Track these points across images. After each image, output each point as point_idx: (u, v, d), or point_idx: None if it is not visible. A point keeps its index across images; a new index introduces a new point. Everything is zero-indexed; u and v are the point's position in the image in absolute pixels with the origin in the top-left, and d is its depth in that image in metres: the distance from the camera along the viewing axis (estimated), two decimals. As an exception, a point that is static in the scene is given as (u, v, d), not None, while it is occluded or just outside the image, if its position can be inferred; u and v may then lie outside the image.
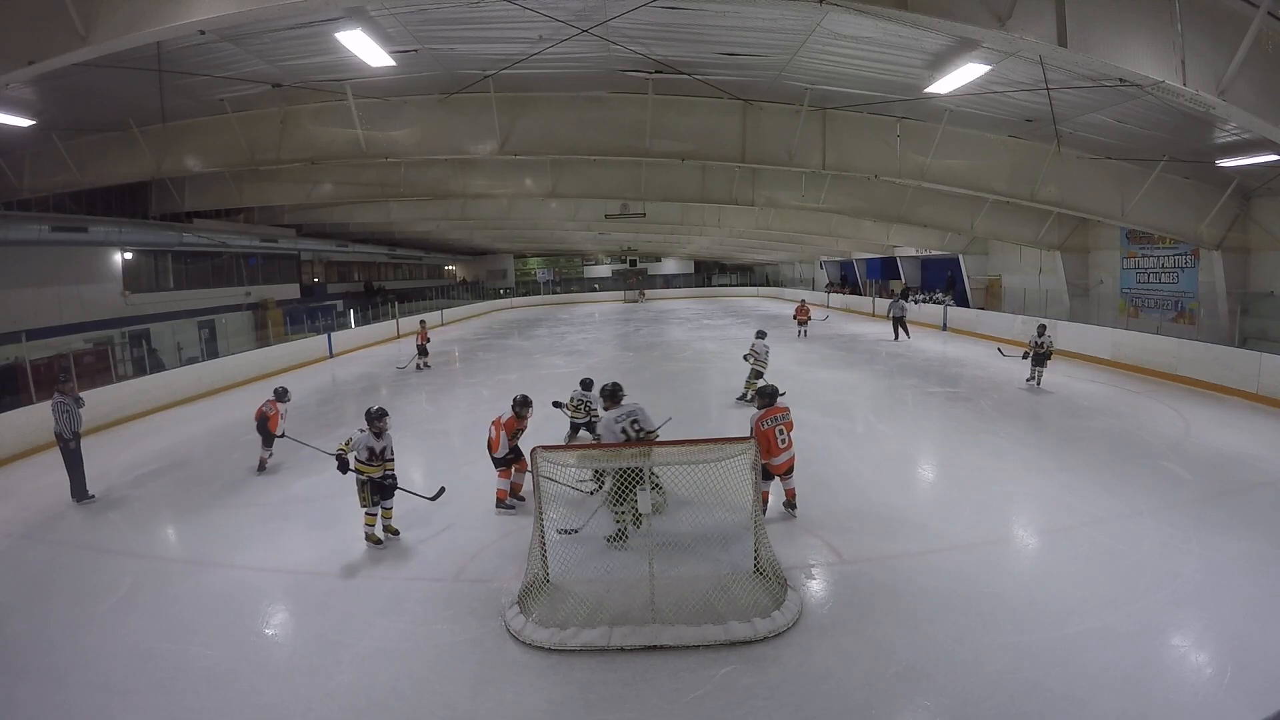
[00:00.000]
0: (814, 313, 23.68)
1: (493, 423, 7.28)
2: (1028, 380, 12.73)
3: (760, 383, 11.66)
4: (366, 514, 6.35)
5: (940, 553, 5.81)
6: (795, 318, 22.28)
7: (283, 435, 9.07)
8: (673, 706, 3.99)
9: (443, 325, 30.76)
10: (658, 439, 6.27)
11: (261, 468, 8.98)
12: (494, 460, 7.17)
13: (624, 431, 6.20)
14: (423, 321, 19.60)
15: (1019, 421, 10.35)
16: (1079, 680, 4.03)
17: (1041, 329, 12.75)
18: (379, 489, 6.32)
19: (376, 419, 6.34)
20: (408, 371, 17.52)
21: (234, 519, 7.29)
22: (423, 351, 18.12)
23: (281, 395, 9.17)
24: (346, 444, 6.33)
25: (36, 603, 5.56)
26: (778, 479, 6.61)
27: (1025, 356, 12.76)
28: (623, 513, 5.98)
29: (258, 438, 8.95)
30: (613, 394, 6.78)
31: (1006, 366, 15.12)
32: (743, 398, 12.03)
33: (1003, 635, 4.52)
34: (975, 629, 4.61)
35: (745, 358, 12.24)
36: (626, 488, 5.45)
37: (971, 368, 15.15)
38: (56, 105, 10.52)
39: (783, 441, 6.48)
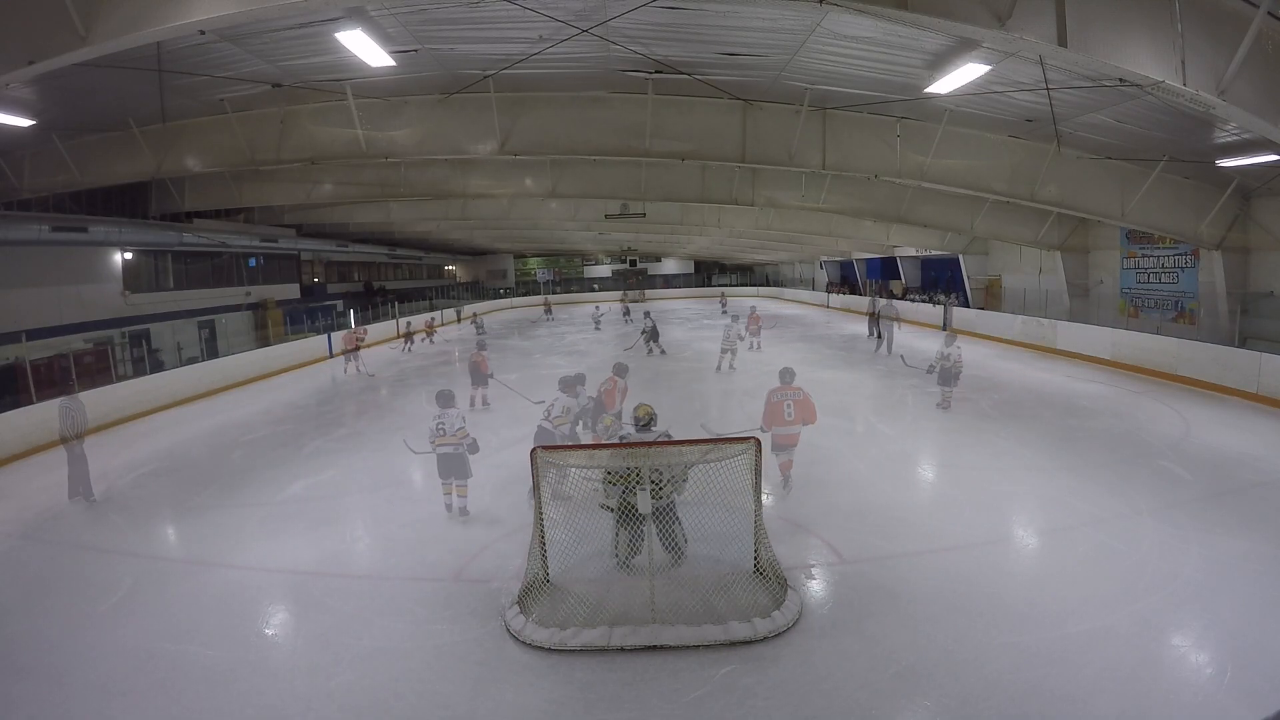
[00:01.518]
0: (766, 318, 20.32)
1: (605, 391, 8.02)
2: (938, 405, 11.03)
3: (731, 356, 15.57)
4: (465, 485, 7.01)
5: (940, 553, 5.81)
6: (746, 329, 18.08)
7: (492, 375, 11.73)
8: (673, 706, 3.99)
9: (442, 325, 30.76)
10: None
11: (471, 405, 11.26)
12: None
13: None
14: (356, 327, 18.95)
15: (1019, 421, 10.34)
16: (1079, 680, 4.03)
17: (950, 337, 11.06)
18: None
19: (451, 398, 7.09)
20: (349, 376, 16.80)
21: (234, 519, 7.29)
22: (348, 356, 17.37)
23: (482, 345, 12.79)
24: (463, 434, 6.87)
25: (36, 603, 5.56)
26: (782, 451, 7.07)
27: (930, 371, 11.08)
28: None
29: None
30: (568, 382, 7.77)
31: (1006, 366, 15.15)
32: (719, 367, 15.47)
33: (1003, 635, 4.52)
34: (975, 629, 4.61)
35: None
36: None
37: (971, 368, 15.00)
38: (56, 105, 10.50)
39: (789, 415, 6.88)
